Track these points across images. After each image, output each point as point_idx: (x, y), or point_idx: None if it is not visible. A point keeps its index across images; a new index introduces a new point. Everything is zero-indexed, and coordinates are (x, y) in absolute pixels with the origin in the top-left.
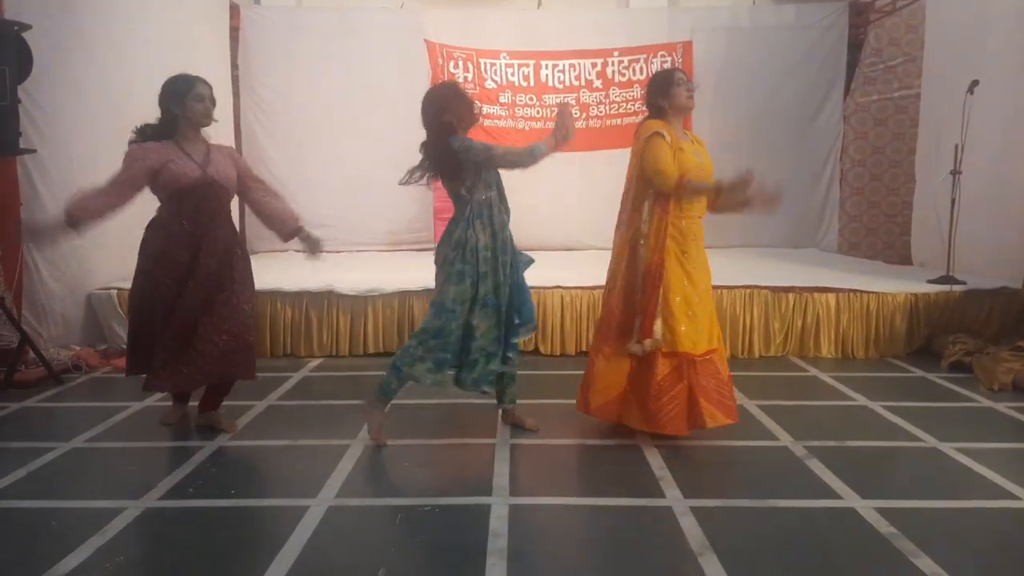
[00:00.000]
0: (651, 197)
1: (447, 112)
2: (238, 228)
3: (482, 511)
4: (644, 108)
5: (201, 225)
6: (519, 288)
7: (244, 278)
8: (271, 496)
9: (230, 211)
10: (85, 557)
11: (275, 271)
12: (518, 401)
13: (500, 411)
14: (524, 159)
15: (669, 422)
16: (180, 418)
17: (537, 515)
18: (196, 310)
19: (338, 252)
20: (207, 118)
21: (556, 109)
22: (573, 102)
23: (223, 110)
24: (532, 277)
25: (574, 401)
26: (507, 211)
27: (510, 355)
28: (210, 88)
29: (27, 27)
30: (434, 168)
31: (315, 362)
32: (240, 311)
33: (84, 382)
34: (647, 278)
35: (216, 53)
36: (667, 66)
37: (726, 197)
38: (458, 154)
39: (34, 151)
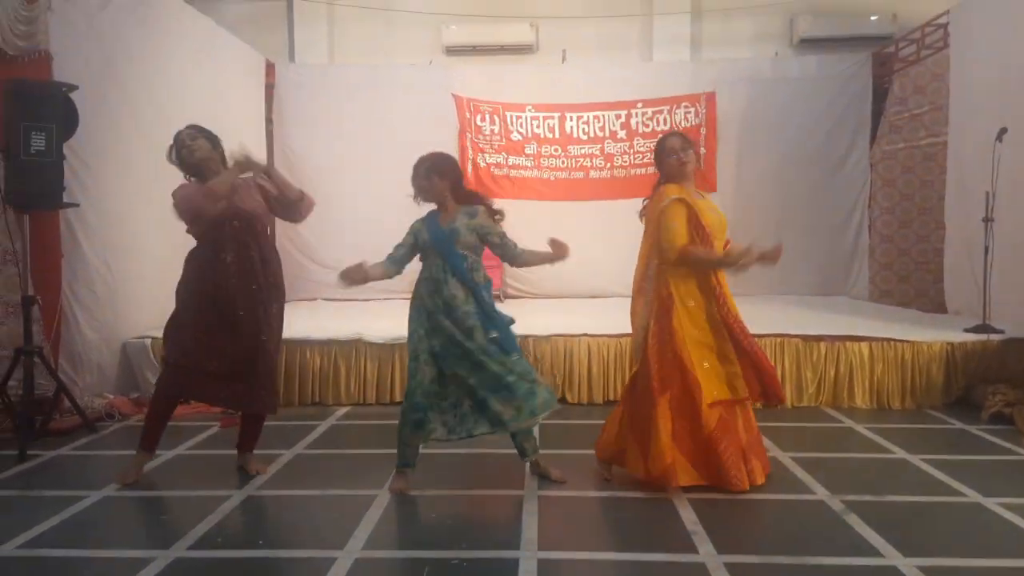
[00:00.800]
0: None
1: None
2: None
3: (510, 565)
4: None
5: (231, 252)
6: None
7: (262, 307)
8: (299, 547)
9: (262, 242)
10: None
11: (305, 319)
12: (542, 451)
13: (526, 464)
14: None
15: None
16: (137, 475)
17: (566, 570)
18: (217, 329)
19: (367, 300)
20: (190, 154)
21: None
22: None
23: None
24: (559, 325)
25: None
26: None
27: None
28: (191, 131)
29: (74, 88)
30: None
31: (343, 410)
32: (250, 338)
33: (117, 430)
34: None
35: (251, 109)
36: (691, 117)
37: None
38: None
39: (77, 205)
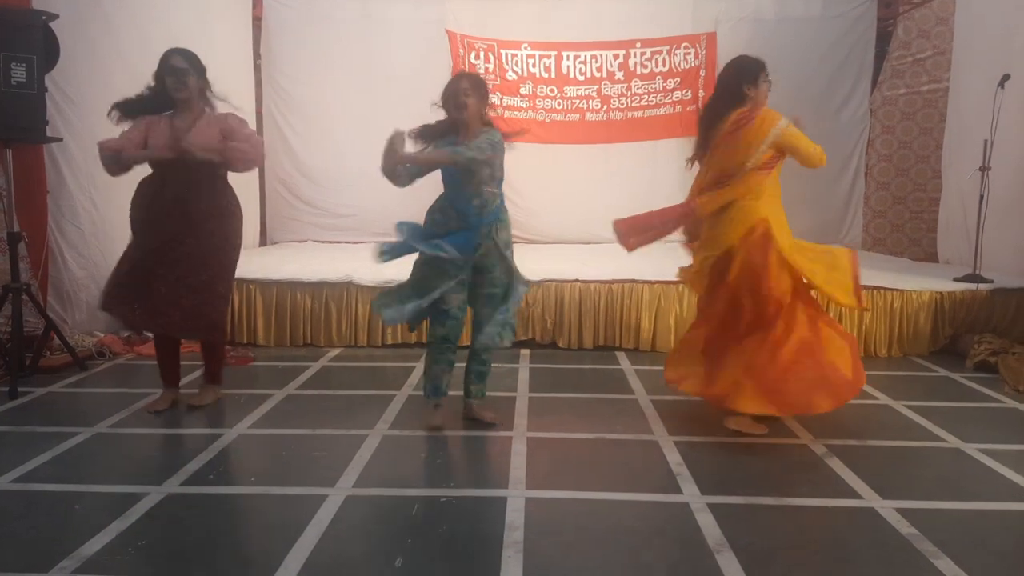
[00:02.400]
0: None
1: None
2: (258, 217)
3: (498, 503)
4: (667, 100)
5: (179, 191)
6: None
7: (214, 246)
8: (290, 484)
9: (214, 179)
10: (107, 541)
11: (295, 262)
12: (531, 394)
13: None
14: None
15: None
16: (170, 404)
17: (553, 509)
18: (165, 267)
19: (357, 243)
20: (176, 91)
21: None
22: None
23: (245, 98)
24: (550, 270)
25: (591, 395)
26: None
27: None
28: (184, 59)
29: (54, 16)
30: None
31: (334, 352)
32: (202, 272)
33: (108, 368)
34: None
35: (238, 42)
36: (690, 58)
37: None
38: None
39: (60, 139)
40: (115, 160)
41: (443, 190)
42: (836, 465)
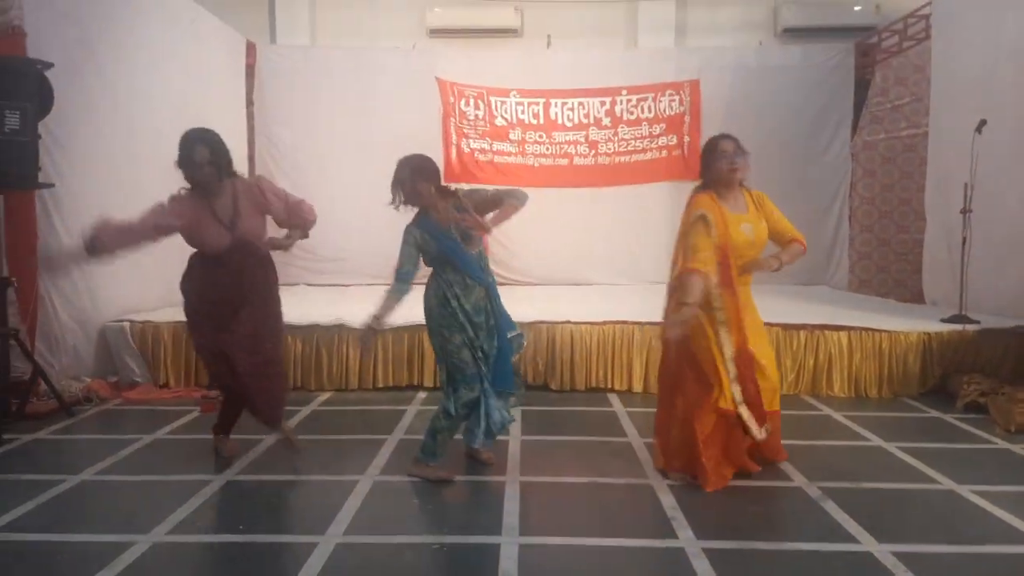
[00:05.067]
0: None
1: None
2: None
3: (491, 550)
4: (652, 145)
5: (233, 274)
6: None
7: (261, 318)
8: (279, 532)
9: (260, 254)
10: None
11: (286, 306)
12: (524, 437)
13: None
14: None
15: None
16: (228, 451)
17: (547, 555)
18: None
19: (347, 286)
20: (210, 184)
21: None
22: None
23: (237, 146)
24: (541, 311)
25: (584, 438)
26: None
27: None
28: (208, 148)
29: (49, 65)
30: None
31: (324, 396)
32: (253, 351)
33: (95, 414)
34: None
35: (232, 90)
36: (675, 104)
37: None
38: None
39: (52, 185)
40: (120, 244)
41: (444, 277)
42: (831, 508)
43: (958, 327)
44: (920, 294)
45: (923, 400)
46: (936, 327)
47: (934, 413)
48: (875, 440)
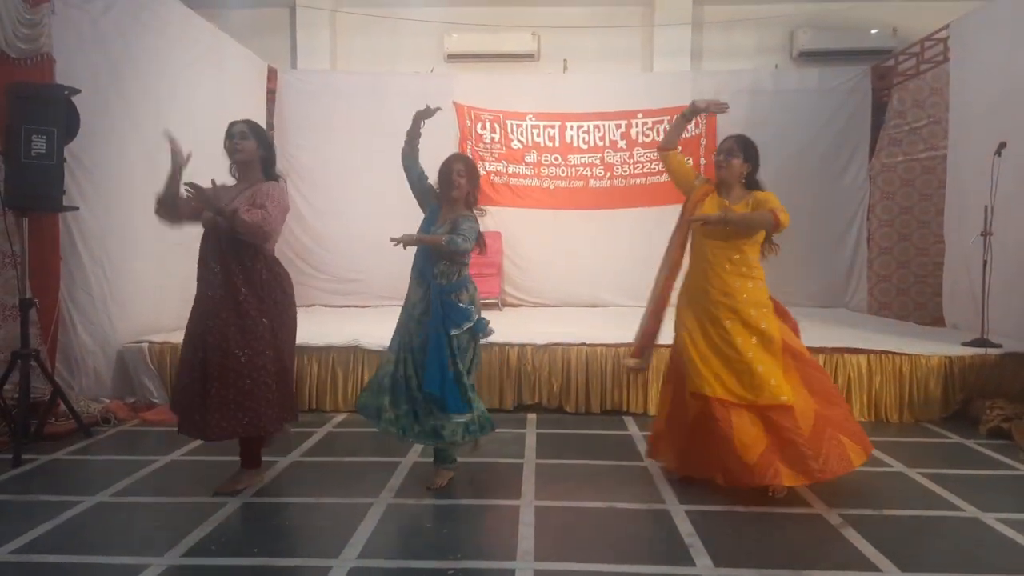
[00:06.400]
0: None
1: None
2: None
3: None
4: None
5: (223, 264)
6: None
7: (251, 327)
8: (294, 555)
9: (255, 253)
10: None
11: (302, 327)
12: (538, 460)
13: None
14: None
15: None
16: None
17: None
18: (211, 354)
19: (363, 307)
20: (232, 153)
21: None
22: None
23: None
24: (556, 334)
25: (600, 461)
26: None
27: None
28: (241, 125)
29: (76, 91)
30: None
31: (340, 417)
32: (243, 363)
33: (113, 435)
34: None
35: (252, 113)
36: (691, 127)
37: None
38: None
39: (77, 208)
40: (171, 207)
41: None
42: (852, 536)
43: (980, 351)
44: (940, 317)
45: (945, 425)
46: (957, 351)
47: (956, 438)
48: (897, 466)
